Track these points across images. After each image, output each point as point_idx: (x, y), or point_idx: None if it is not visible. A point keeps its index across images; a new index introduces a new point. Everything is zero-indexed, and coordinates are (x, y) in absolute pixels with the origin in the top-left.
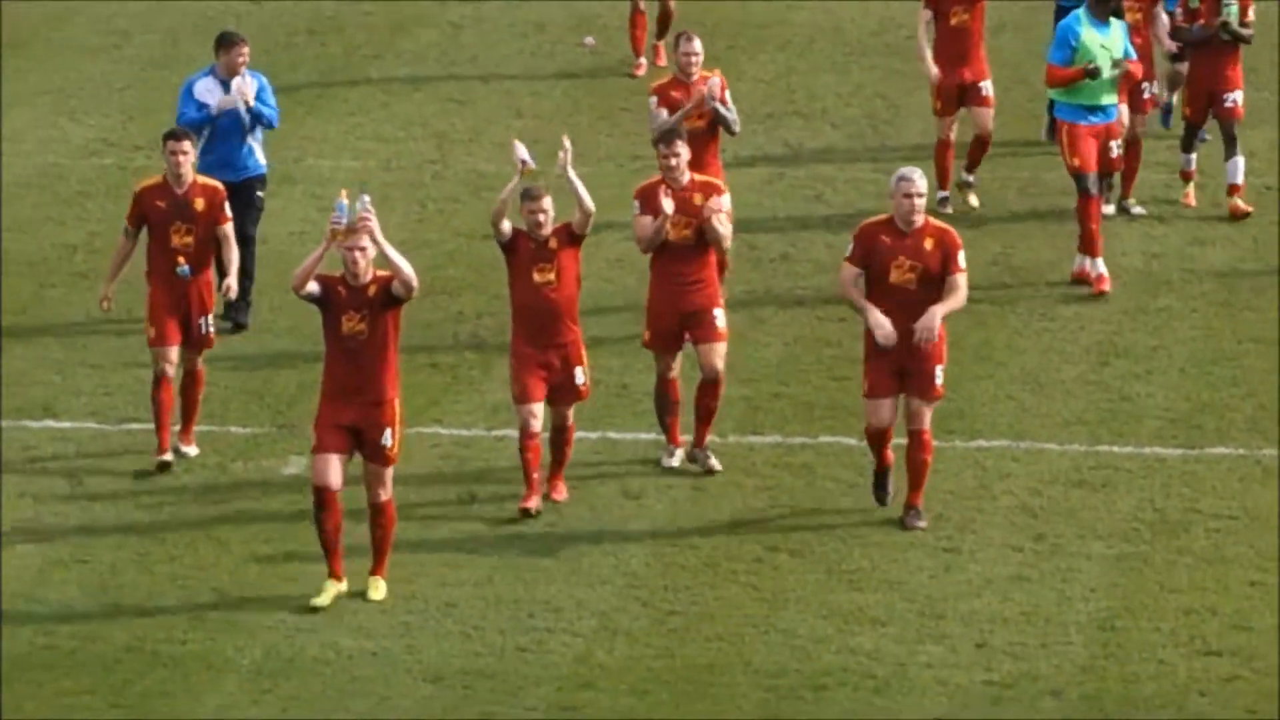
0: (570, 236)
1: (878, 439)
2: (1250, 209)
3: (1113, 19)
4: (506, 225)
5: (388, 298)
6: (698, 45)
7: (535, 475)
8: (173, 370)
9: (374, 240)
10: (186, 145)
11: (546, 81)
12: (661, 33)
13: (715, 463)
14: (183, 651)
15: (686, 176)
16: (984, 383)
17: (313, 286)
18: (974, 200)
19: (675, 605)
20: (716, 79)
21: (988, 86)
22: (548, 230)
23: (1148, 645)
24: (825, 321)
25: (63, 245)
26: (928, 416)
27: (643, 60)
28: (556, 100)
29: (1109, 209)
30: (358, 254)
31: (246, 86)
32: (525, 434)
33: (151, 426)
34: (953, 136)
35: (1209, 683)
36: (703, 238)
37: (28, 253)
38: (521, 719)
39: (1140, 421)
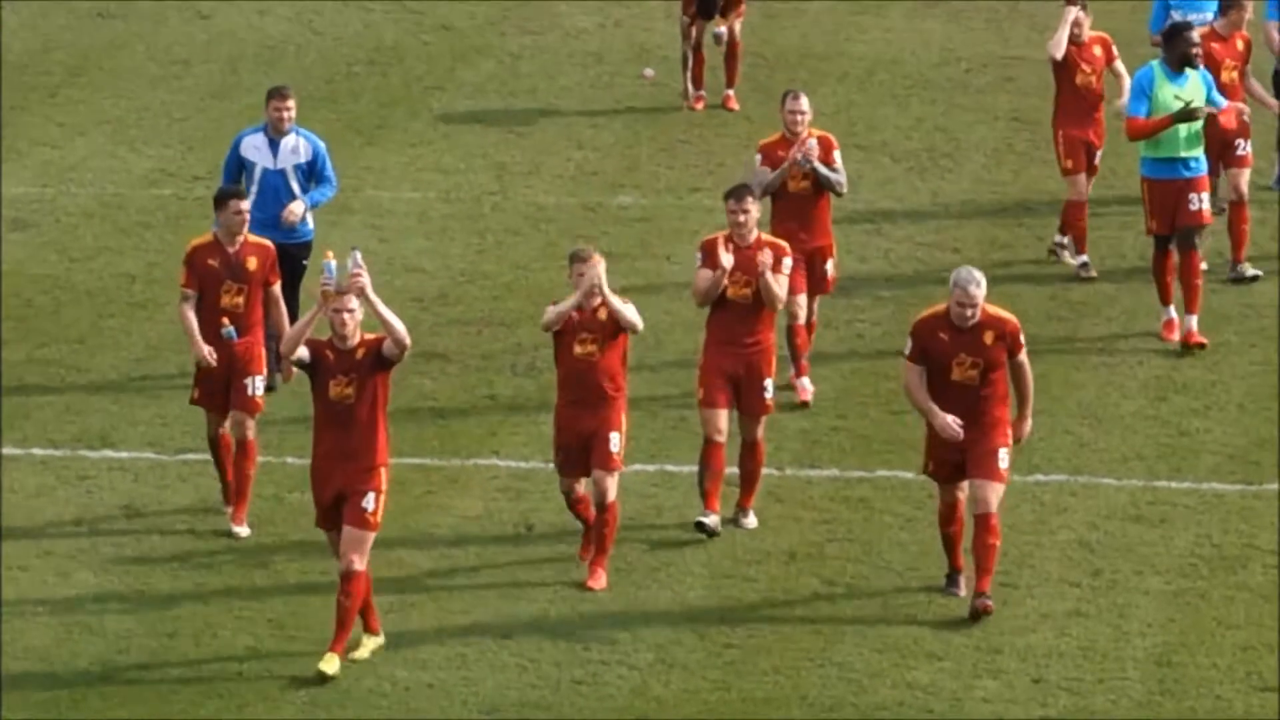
0: (614, 323)
1: (947, 523)
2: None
3: (1189, 70)
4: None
5: (378, 360)
6: (804, 104)
7: (591, 539)
8: (223, 428)
9: (366, 298)
10: (244, 205)
11: (605, 114)
12: (729, 72)
13: (752, 522)
14: (239, 682)
15: (754, 234)
16: (1041, 417)
17: (302, 352)
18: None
19: (732, 639)
20: (814, 141)
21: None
22: (597, 300)
23: (1205, 681)
24: (884, 356)
25: (122, 274)
26: (994, 500)
27: (702, 93)
28: (616, 132)
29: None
30: (345, 315)
31: (300, 155)
32: (571, 500)
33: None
34: (1086, 194)
35: (1266, 718)
36: (760, 298)
37: (87, 282)
38: None
39: (1198, 457)
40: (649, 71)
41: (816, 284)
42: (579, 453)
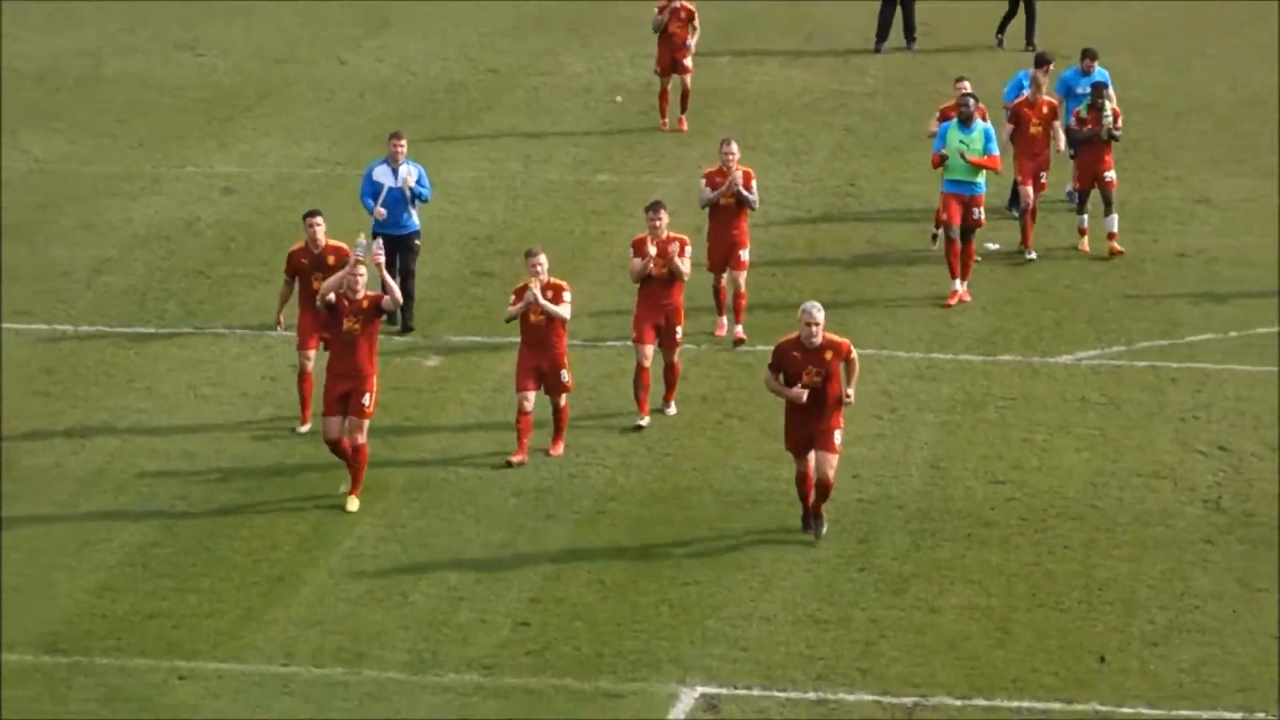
0: (555, 294)
1: (801, 484)
2: (1123, 249)
3: (977, 121)
4: (512, 315)
5: (376, 310)
6: (734, 147)
7: (524, 441)
8: (310, 365)
9: (379, 268)
10: (320, 220)
11: (592, 124)
12: (683, 106)
13: (673, 410)
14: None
15: (665, 233)
16: (865, 314)
17: (330, 298)
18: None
19: (668, 450)
20: (740, 174)
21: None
22: (538, 286)
23: (958, 477)
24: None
25: (290, 223)
26: (831, 470)
27: (666, 120)
28: (598, 135)
29: (992, 245)
30: (357, 278)
31: (410, 178)
32: (520, 411)
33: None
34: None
35: (998, 503)
36: (672, 274)
37: (269, 227)
38: (572, 518)
39: (958, 339)
40: (619, 98)
41: (737, 265)
42: (536, 379)
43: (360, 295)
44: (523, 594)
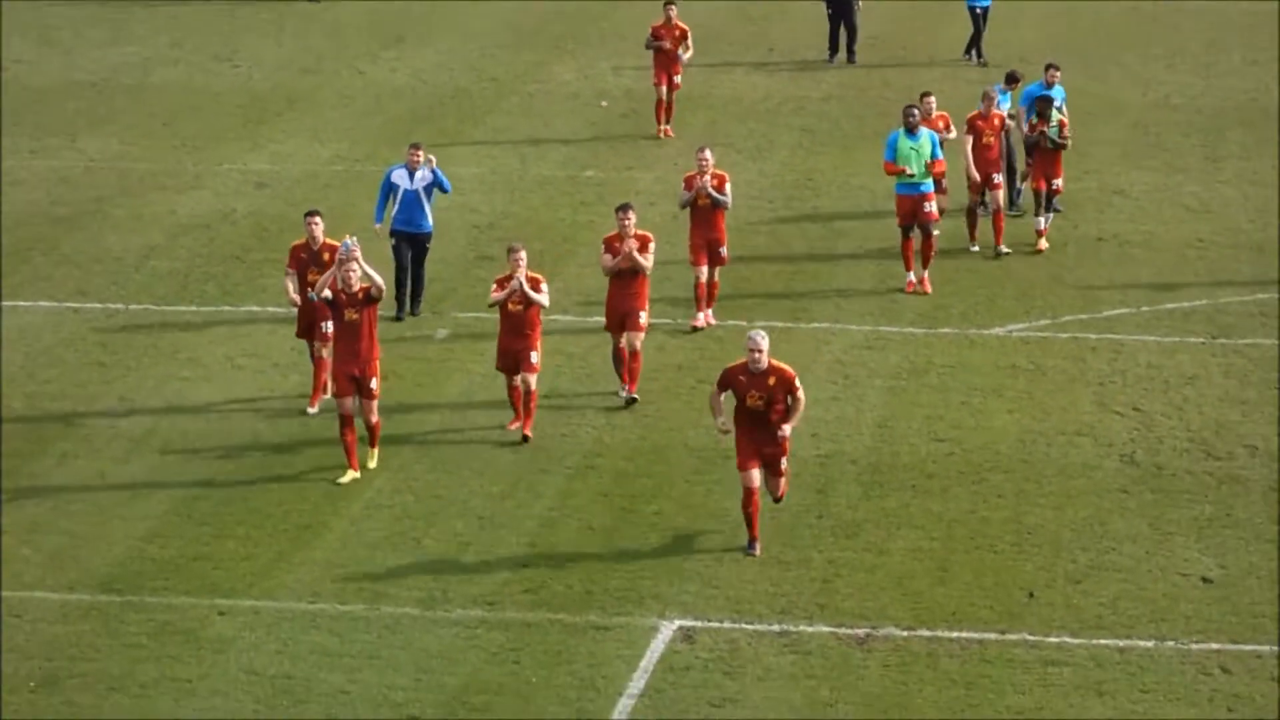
0: (534, 285)
1: (747, 504)
2: (1046, 246)
3: (922, 129)
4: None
5: (369, 298)
6: (709, 154)
7: (518, 409)
8: (325, 351)
9: (360, 264)
10: (318, 219)
11: (580, 126)
12: (668, 116)
13: (634, 397)
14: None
15: (633, 231)
16: (819, 297)
17: (327, 294)
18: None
19: (648, 412)
20: (709, 178)
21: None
22: (523, 275)
23: (904, 434)
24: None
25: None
26: (779, 489)
27: (662, 127)
28: (586, 136)
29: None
30: (351, 273)
31: (427, 181)
32: (511, 386)
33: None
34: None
35: (939, 458)
36: (635, 269)
37: (295, 216)
38: (564, 472)
39: (903, 313)
40: (604, 103)
41: (716, 260)
42: (512, 360)
43: (356, 288)
44: (520, 539)
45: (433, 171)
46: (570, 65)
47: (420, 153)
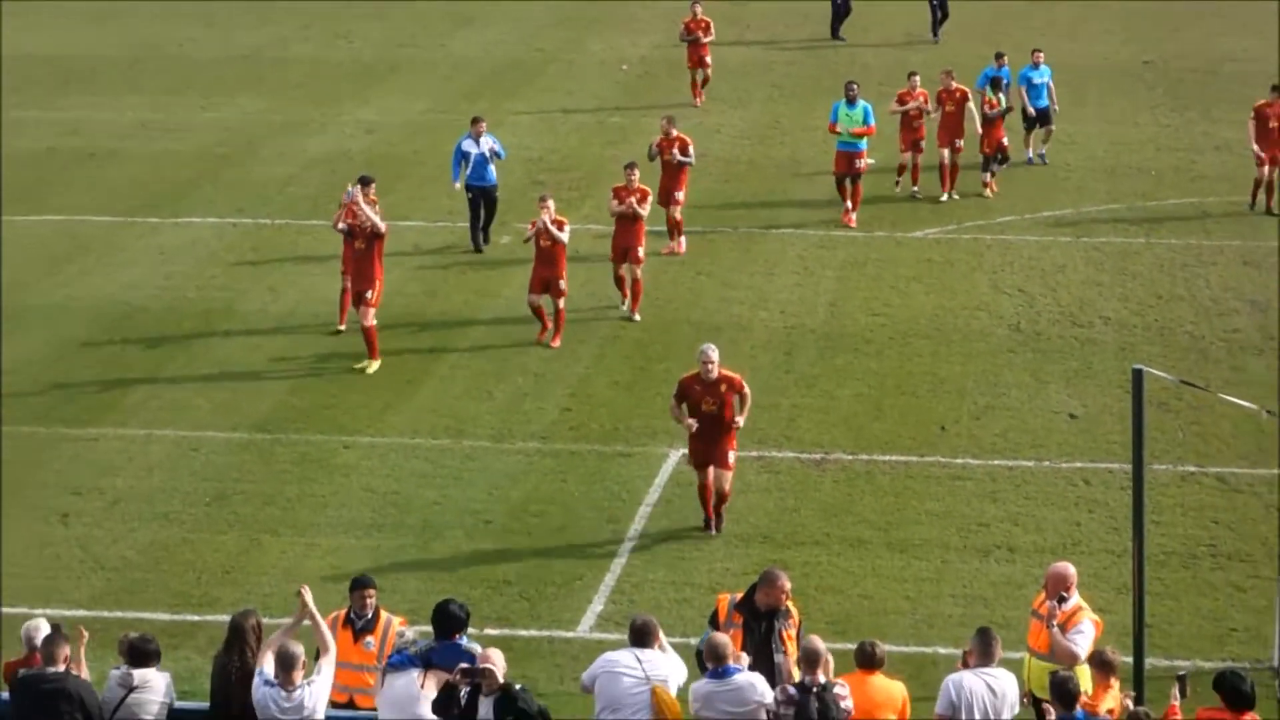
0: (559, 226)
1: (701, 493)
2: (991, 194)
3: (860, 101)
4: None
5: (374, 232)
6: (669, 124)
7: (544, 321)
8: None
9: (361, 207)
10: (346, 197)
11: (608, 89)
12: (704, 83)
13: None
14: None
15: (636, 185)
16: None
17: (342, 226)
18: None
19: (658, 297)
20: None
21: None
22: (548, 218)
23: (849, 311)
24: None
25: (409, 153)
26: (726, 483)
27: (697, 99)
28: (612, 98)
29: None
30: (358, 209)
31: (491, 145)
32: (532, 307)
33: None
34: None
35: (875, 328)
36: (635, 214)
37: (397, 155)
38: (596, 341)
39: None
40: (625, 67)
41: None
42: (542, 284)
43: (364, 222)
44: (565, 390)
45: (492, 140)
46: (599, 40)
47: (483, 124)
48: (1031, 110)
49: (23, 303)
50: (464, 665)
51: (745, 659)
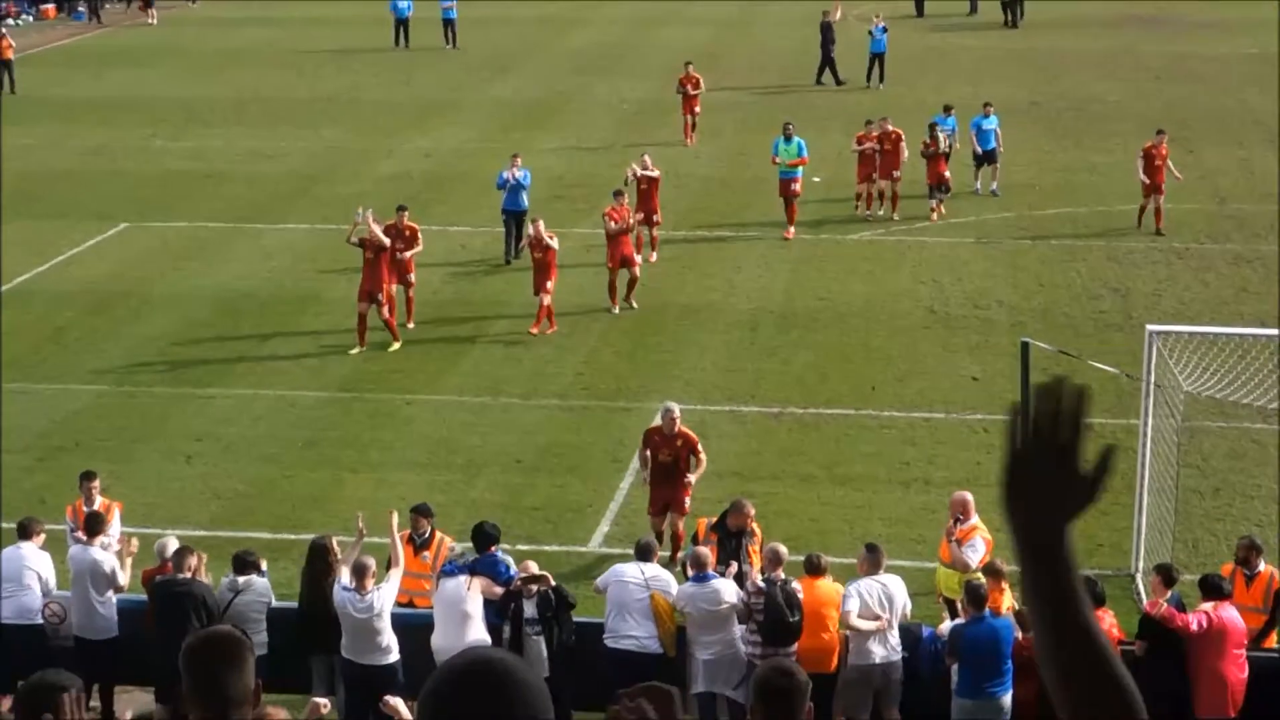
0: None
1: (656, 531)
2: (936, 217)
3: (795, 138)
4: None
5: (380, 246)
6: (648, 161)
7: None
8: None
9: (370, 225)
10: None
11: (612, 124)
12: (693, 126)
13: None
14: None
15: (625, 209)
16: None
17: (354, 240)
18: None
19: (651, 286)
20: (644, 167)
21: None
22: (536, 229)
23: (800, 296)
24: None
25: (462, 173)
26: (680, 524)
27: (688, 139)
28: (615, 130)
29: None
30: (370, 226)
31: (519, 176)
32: (540, 305)
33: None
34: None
35: (821, 310)
36: (625, 230)
37: (451, 175)
38: (602, 320)
39: (799, 230)
40: (625, 104)
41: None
42: (539, 276)
43: (372, 237)
44: (579, 358)
45: (525, 171)
46: (603, 83)
47: (519, 160)
48: (979, 150)
49: (155, 291)
50: (523, 574)
51: (731, 569)
